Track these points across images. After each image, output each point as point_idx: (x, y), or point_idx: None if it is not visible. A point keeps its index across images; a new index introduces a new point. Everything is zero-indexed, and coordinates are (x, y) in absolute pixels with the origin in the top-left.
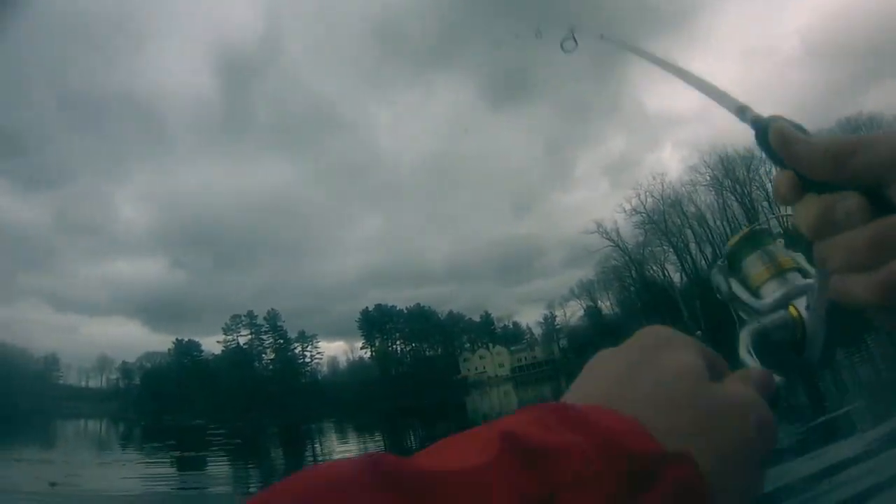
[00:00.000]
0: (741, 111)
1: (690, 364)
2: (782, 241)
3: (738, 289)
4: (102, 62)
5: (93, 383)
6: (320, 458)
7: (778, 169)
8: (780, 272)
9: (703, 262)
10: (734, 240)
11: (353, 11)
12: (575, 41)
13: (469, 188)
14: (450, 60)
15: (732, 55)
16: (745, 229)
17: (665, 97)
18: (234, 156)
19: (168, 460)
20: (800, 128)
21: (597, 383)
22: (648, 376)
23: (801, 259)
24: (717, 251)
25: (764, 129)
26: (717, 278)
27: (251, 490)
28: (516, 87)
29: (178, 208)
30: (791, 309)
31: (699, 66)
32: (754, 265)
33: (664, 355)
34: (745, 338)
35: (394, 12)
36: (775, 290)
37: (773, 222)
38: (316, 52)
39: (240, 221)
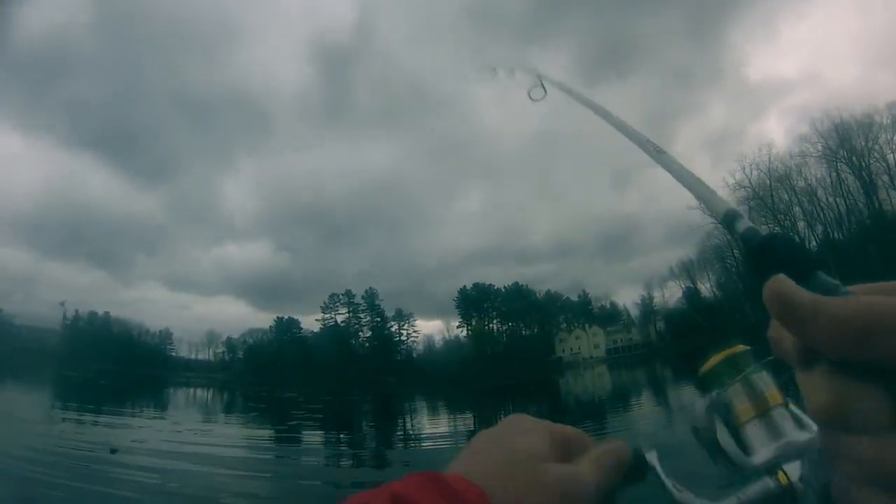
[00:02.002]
0: (729, 218)
1: (533, 446)
2: (766, 373)
3: (723, 436)
4: (207, 63)
5: (201, 356)
6: (410, 434)
7: (775, 325)
8: (766, 411)
9: (814, 242)
10: (712, 361)
11: None
12: (544, 89)
13: (569, 165)
14: (543, 35)
15: (847, 6)
16: (726, 351)
17: (769, 62)
18: (335, 141)
19: (259, 428)
20: (808, 262)
21: (468, 457)
22: (500, 454)
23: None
24: (829, 231)
25: (759, 246)
26: (702, 415)
27: (330, 464)
28: (613, 60)
29: (283, 195)
30: (781, 476)
31: (812, 19)
32: (738, 397)
33: (517, 438)
34: None
35: None
36: (762, 437)
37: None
38: (410, 33)
39: (342, 205)
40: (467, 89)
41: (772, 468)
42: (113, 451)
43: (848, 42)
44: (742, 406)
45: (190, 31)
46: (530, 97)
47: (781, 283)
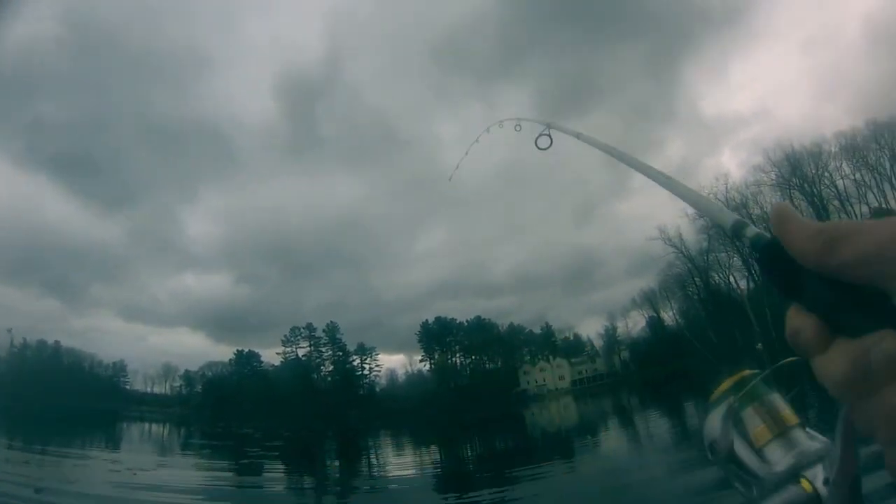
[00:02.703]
0: (737, 228)
1: None
2: (779, 395)
3: (741, 448)
4: (174, 91)
5: (157, 389)
6: (374, 469)
7: (795, 309)
8: (783, 431)
9: None
10: (723, 387)
11: (410, 32)
12: (550, 138)
13: (531, 200)
14: (506, 75)
15: (792, 47)
16: (735, 376)
17: (721, 99)
18: (299, 174)
19: (218, 462)
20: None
21: None
22: None
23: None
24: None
25: (768, 246)
26: (715, 427)
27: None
28: (575, 97)
29: (245, 227)
30: (804, 483)
31: (761, 59)
32: (753, 420)
33: None
34: None
35: (450, 31)
36: (781, 454)
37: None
38: (377, 71)
39: (304, 238)
40: (432, 127)
41: (793, 477)
42: (38, 490)
43: (794, 78)
44: (758, 429)
45: (159, 59)
46: (537, 146)
47: (785, 204)
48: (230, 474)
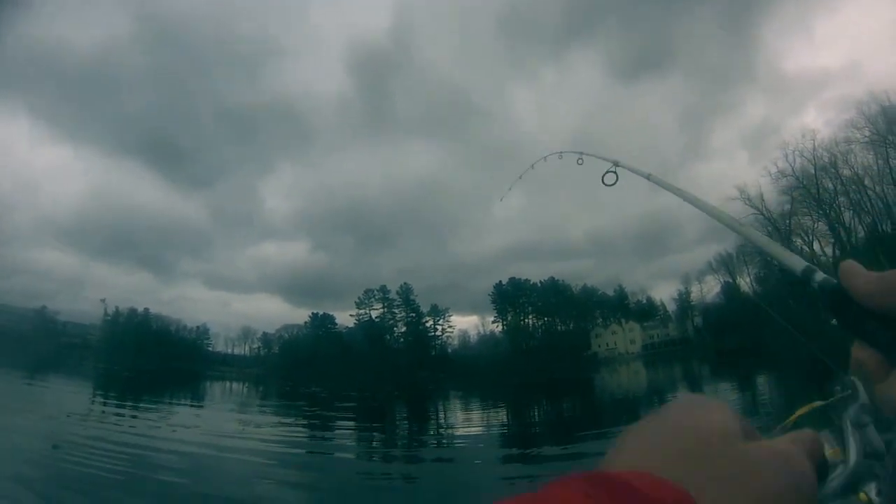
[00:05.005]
0: (807, 273)
1: (726, 425)
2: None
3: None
4: (247, 75)
5: (237, 351)
6: (443, 429)
7: (858, 345)
8: (846, 451)
9: (863, 232)
10: (798, 413)
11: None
12: (616, 175)
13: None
14: (579, 39)
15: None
16: (816, 403)
17: (804, 56)
18: (374, 146)
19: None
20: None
21: (639, 449)
22: (688, 439)
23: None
24: (877, 222)
25: (834, 290)
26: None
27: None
28: (649, 60)
29: (322, 198)
30: (862, 495)
31: (848, 11)
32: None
33: (701, 419)
34: None
35: None
36: (842, 469)
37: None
38: (446, 41)
39: (380, 207)
40: (504, 95)
41: (853, 489)
42: (55, 446)
43: (885, 31)
44: (830, 452)
45: (231, 47)
46: (604, 183)
47: (851, 262)
48: (301, 433)
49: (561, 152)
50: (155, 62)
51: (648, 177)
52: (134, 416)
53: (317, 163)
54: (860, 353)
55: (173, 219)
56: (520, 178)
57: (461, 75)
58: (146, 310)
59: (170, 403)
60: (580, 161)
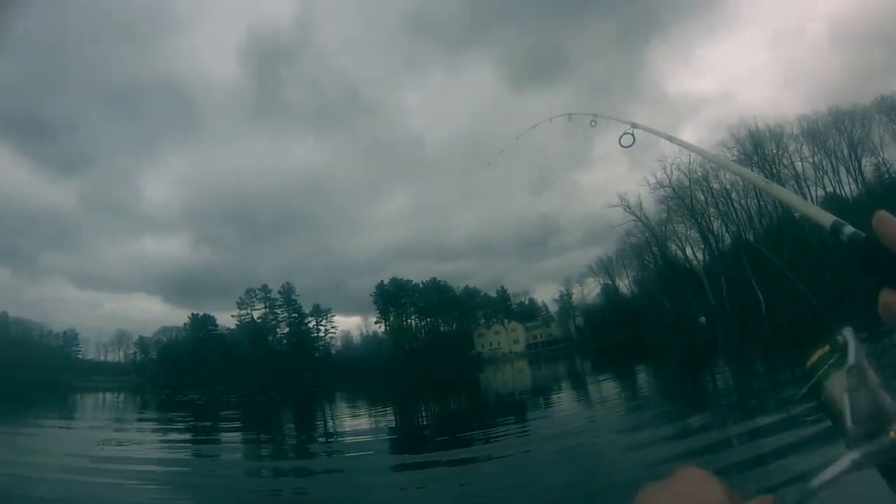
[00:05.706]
0: (836, 227)
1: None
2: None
3: (847, 399)
4: (135, 51)
5: (111, 357)
6: (331, 430)
7: (888, 291)
8: (872, 390)
9: (729, 239)
10: (816, 355)
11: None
12: (633, 136)
13: (491, 167)
14: (474, 44)
15: (758, 37)
16: (826, 347)
17: (685, 80)
18: (261, 137)
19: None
20: None
21: None
22: None
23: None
24: (741, 231)
25: (865, 242)
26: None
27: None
28: (539, 69)
29: (205, 188)
30: (892, 433)
31: (726, 46)
32: (841, 381)
33: (694, 497)
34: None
35: None
36: (869, 410)
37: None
38: (345, 35)
39: (264, 201)
40: (397, 94)
41: (883, 428)
42: None
43: (758, 66)
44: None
45: (121, 17)
46: (621, 144)
47: (883, 212)
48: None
49: (570, 114)
50: (23, 24)
51: (670, 139)
52: None
53: (201, 151)
54: (889, 297)
55: (35, 205)
56: (516, 139)
57: (356, 70)
58: (4, 313)
59: (24, 424)
60: (593, 123)
